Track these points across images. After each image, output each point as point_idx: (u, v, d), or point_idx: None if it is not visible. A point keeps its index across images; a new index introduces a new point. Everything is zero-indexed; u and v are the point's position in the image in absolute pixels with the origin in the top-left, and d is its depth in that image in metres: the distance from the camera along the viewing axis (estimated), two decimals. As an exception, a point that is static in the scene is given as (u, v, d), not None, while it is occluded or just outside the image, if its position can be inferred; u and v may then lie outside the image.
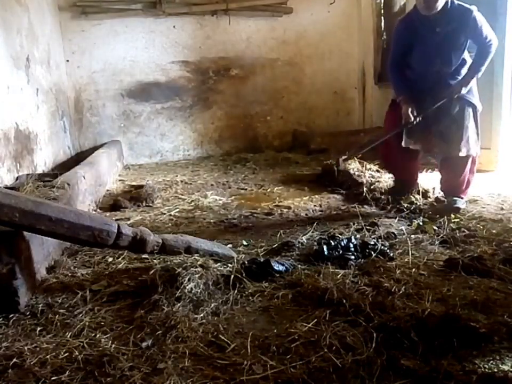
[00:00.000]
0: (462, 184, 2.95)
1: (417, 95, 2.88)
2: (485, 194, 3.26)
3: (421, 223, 2.65)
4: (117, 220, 2.99)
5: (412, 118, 2.84)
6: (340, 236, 2.41)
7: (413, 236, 2.48)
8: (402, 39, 2.90)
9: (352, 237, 2.33)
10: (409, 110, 2.84)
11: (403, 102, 2.88)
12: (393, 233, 2.50)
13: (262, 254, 2.33)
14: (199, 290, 1.83)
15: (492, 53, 2.78)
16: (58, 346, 1.54)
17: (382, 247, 2.24)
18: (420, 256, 2.19)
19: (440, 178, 3.09)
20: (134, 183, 4.47)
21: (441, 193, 3.10)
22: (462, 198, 2.96)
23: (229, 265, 2.09)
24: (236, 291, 1.87)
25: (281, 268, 2.05)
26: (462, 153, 2.82)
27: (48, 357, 1.47)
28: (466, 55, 2.85)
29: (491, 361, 1.35)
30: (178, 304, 1.74)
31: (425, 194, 3.16)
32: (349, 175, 3.61)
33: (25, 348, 1.52)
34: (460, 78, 2.83)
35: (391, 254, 2.19)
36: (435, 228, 2.55)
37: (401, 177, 3.21)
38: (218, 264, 2.09)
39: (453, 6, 2.71)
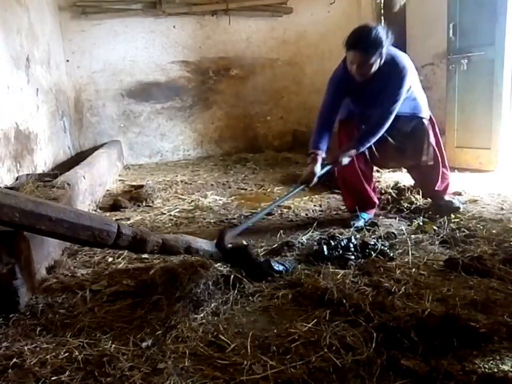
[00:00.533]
0: (439, 185, 2.87)
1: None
2: (485, 194, 3.26)
3: (421, 223, 2.65)
4: (117, 220, 3.00)
5: (314, 181, 2.57)
6: (340, 236, 2.41)
7: (413, 236, 2.47)
8: (335, 95, 2.65)
9: (352, 237, 2.33)
10: (316, 172, 2.55)
11: (312, 160, 2.57)
12: (393, 233, 2.50)
13: (262, 254, 2.33)
14: (199, 290, 1.82)
15: (387, 124, 2.53)
16: (58, 346, 1.53)
17: (382, 247, 2.24)
18: (420, 256, 2.19)
19: (415, 184, 3.09)
20: (134, 183, 4.47)
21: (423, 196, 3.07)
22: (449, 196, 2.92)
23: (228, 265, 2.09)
24: (235, 291, 1.87)
25: (281, 268, 2.05)
26: (424, 163, 2.76)
27: (48, 357, 1.47)
28: (413, 88, 2.64)
29: (491, 361, 1.34)
30: (178, 304, 1.74)
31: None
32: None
33: (25, 348, 1.52)
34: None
35: (391, 254, 2.19)
36: (435, 227, 2.55)
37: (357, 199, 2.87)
38: (218, 264, 2.09)
39: (385, 62, 2.45)
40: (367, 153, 2.77)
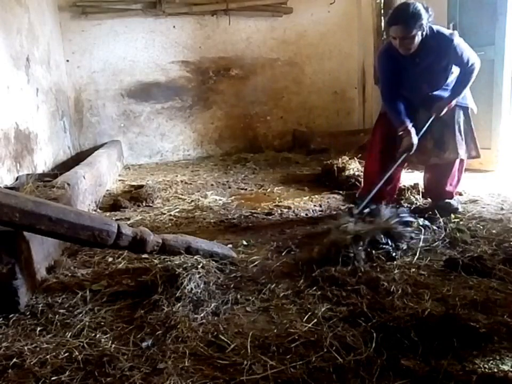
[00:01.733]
0: (449, 187, 2.89)
1: (408, 113, 2.79)
2: (485, 194, 3.26)
3: (424, 223, 2.62)
4: (117, 220, 3.00)
5: (414, 150, 2.72)
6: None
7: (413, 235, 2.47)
8: (389, 69, 2.76)
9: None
10: (412, 140, 2.70)
11: (406, 133, 2.72)
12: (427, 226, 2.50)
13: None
14: (199, 290, 1.83)
15: (475, 75, 2.72)
16: (58, 346, 1.54)
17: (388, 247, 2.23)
18: (420, 257, 2.19)
19: (426, 182, 3.04)
20: (134, 183, 4.47)
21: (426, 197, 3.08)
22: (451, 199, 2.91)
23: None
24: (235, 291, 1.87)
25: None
26: (460, 157, 2.79)
27: (48, 357, 1.47)
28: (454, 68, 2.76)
29: (491, 361, 1.35)
30: (178, 304, 1.74)
31: (425, 194, 3.16)
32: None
33: (25, 348, 1.52)
34: (449, 88, 2.77)
35: (393, 254, 2.19)
36: (435, 227, 2.54)
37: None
38: (218, 264, 2.09)
39: (432, 36, 2.57)
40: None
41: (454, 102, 2.76)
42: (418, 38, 2.52)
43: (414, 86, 2.76)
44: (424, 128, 2.76)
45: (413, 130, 2.72)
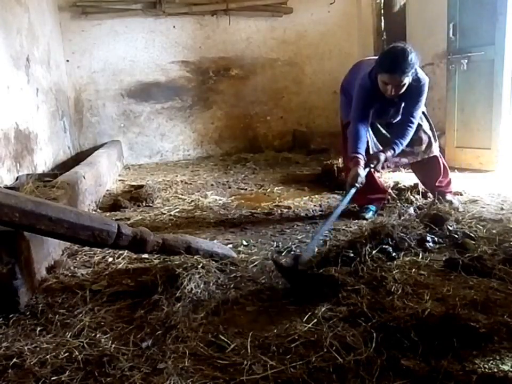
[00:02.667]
0: (442, 181, 3.03)
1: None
2: (485, 194, 3.26)
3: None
4: (117, 220, 2.99)
5: (360, 182, 2.59)
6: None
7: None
8: (367, 101, 2.73)
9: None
10: (360, 173, 2.58)
11: (354, 164, 2.63)
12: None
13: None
14: (199, 290, 1.83)
15: (409, 136, 2.74)
16: (58, 346, 1.53)
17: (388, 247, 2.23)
18: (420, 256, 2.19)
19: (422, 180, 3.17)
20: (134, 183, 4.47)
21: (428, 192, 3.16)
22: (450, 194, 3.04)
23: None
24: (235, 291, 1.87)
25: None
26: (429, 154, 2.94)
27: (48, 357, 1.47)
28: None
29: (491, 361, 1.35)
30: (178, 304, 1.74)
31: (425, 194, 3.16)
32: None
33: (25, 348, 1.52)
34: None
35: (393, 254, 2.18)
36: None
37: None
38: (218, 264, 2.09)
39: (413, 78, 2.60)
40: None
41: (389, 155, 2.74)
42: (407, 84, 2.57)
43: (382, 116, 2.85)
44: (365, 172, 2.64)
45: (361, 164, 2.63)
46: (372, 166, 2.70)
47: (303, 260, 1.98)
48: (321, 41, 6.28)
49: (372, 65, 2.70)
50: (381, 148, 2.84)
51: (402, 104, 2.76)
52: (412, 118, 2.74)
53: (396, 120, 2.87)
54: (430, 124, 2.98)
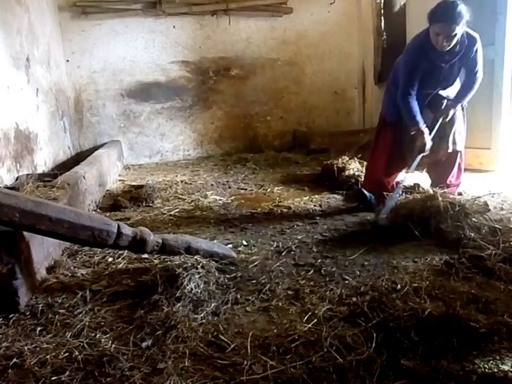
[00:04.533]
0: (452, 178, 3.12)
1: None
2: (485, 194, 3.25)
3: None
4: (117, 220, 2.99)
5: (427, 150, 2.82)
6: None
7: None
8: (417, 66, 2.79)
9: None
10: (427, 141, 2.80)
11: (419, 134, 2.82)
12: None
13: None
14: (199, 290, 1.83)
15: (478, 85, 2.88)
16: (58, 346, 1.53)
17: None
18: (420, 256, 2.19)
19: (433, 176, 3.22)
20: (134, 183, 4.47)
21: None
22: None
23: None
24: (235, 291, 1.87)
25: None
26: (452, 149, 3.02)
27: (48, 357, 1.47)
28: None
29: (491, 361, 1.35)
30: (178, 304, 1.74)
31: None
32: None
33: (25, 348, 1.52)
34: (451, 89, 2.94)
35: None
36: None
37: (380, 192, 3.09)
38: (218, 264, 2.09)
39: (462, 34, 2.69)
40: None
41: (459, 107, 2.92)
42: (458, 36, 2.62)
43: (433, 84, 2.85)
44: (435, 130, 2.86)
45: (426, 131, 2.80)
46: (441, 120, 2.87)
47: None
48: (321, 41, 6.28)
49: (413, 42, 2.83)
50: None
51: (455, 67, 2.79)
52: (474, 76, 2.82)
53: (449, 86, 2.89)
54: (464, 116, 3.07)
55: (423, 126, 2.81)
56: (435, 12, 2.63)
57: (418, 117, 2.81)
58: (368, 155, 3.30)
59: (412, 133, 2.83)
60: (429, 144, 2.80)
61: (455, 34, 2.60)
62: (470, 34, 2.73)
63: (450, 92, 2.96)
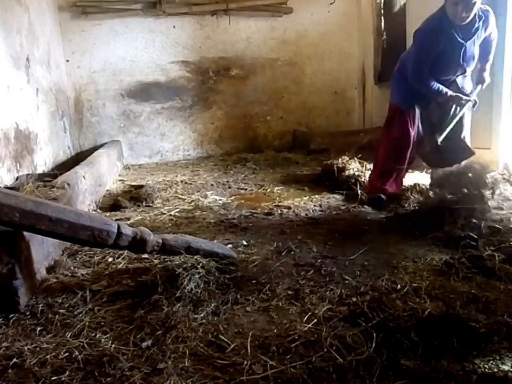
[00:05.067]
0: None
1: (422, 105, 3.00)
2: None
3: None
4: (117, 220, 2.99)
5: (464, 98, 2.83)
6: None
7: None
8: (435, 49, 2.75)
9: None
10: (462, 96, 2.83)
11: (453, 95, 2.85)
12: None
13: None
14: (199, 290, 1.83)
15: (488, 79, 2.95)
16: (58, 346, 1.53)
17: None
18: (420, 256, 2.19)
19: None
20: (134, 183, 4.47)
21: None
22: None
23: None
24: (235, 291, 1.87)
25: None
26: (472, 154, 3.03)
27: (48, 357, 1.47)
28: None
29: (491, 361, 1.35)
30: (178, 304, 1.74)
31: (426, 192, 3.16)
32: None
33: (25, 348, 1.52)
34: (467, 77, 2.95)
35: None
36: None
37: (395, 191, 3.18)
38: (218, 264, 2.09)
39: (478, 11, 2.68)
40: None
41: (474, 96, 2.92)
42: (478, 5, 2.59)
43: (453, 66, 2.84)
44: (452, 124, 2.89)
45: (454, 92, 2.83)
46: (458, 112, 2.89)
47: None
48: (321, 41, 6.27)
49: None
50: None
51: (474, 46, 2.78)
52: (488, 61, 2.91)
53: (469, 68, 2.88)
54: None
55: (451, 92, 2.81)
56: None
57: (443, 87, 2.81)
58: (380, 149, 3.26)
59: (448, 100, 2.83)
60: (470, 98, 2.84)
61: (475, 3, 2.54)
62: (482, 8, 2.71)
63: (466, 83, 2.96)
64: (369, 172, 3.50)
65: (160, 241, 2.03)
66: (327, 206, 3.28)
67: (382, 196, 3.07)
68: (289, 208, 3.25)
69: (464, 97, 2.85)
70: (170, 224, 3.00)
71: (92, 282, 2.05)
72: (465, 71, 2.88)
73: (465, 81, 2.95)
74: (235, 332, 1.59)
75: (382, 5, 5.90)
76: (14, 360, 1.46)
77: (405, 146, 3.05)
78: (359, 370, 1.33)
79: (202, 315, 1.70)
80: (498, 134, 3.92)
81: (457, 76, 2.90)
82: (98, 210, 3.42)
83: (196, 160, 6.04)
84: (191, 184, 4.32)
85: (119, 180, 4.76)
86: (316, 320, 1.63)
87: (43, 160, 4.09)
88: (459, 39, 2.71)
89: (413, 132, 3.04)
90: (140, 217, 3.18)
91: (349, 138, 5.49)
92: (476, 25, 2.69)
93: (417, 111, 3.03)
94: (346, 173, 3.76)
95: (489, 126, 3.94)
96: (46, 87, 4.55)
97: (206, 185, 4.24)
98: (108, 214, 3.32)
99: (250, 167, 5.10)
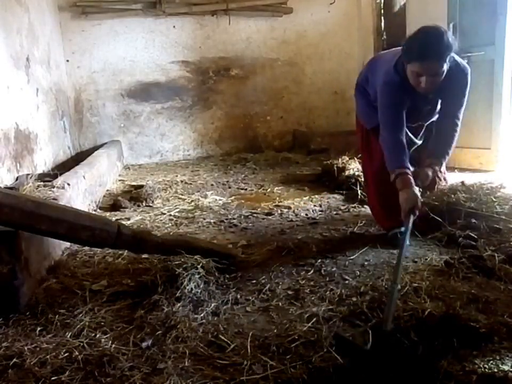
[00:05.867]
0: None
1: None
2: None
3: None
4: (117, 219, 2.99)
5: (418, 209, 2.08)
6: None
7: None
8: (400, 102, 2.20)
9: None
10: (418, 195, 2.10)
11: (405, 183, 2.10)
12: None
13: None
14: (199, 290, 1.83)
15: (456, 140, 2.28)
16: (58, 346, 1.53)
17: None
18: (420, 256, 2.19)
19: None
20: (134, 183, 4.47)
21: None
22: None
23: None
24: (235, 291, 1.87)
25: None
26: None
27: (48, 357, 1.47)
28: None
29: (491, 361, 1.35)
30: (178, 304, 1.74)
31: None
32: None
33: (25, 348, 1.52)
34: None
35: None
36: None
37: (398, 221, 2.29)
38: (218, 264, 2.09)
39: (450, 66, 2.07)
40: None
41: (444, 168, 2.40)
42: (444, 73, 2.05)
43: (413, 118, 2.31)
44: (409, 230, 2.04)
45: (412, 182, 2.12)
46: (419, 185, 2.19)
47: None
48: (321, 41, 6.27)
49: (391, 60, 2.23)
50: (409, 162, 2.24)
51: (439, 100, 2.28)
52: (456, 120, 2.26)
53: (428, 122, 2.39)
54: None
55: (408, 172, 2.13)
56: (412, 46, 2.02)
57: (405, 158, 2.17)
58: (365, 178, 2.77)
59: (393, 180, 2.15)
60: (419, 202, 2.09)
61: (442, 72, 2.03)
62: (458, 64, 2.17)
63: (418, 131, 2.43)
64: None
65: (160, 241, 2.04)
66: (327, 206, 3.28)
67: (398, 232, 2.36)
68: (289, 208, 3.25)
69: (411, 205, 2.06)
70: (170, 224, 3.00)
71: (92, 282, 2.05)
72: (426, 122, 2.39)
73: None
74: (235, 331, 1.60)
75: (382, 5, 5.90)
76: (14, 360, 1.46)
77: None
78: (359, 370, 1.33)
79: (202, 315, 1.70)
80: (498, 134, 3.92)
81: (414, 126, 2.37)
82: (98, 210, 3.42)
83: (195, 160, 6.04)
84: (191, 184, 4.32)
85: (119, 180, 4.76)
86: (315, 320, 1.63)
87: (43, 160, 4.09)
88: (422, 102, 2.25)
89: None
90: (140, 217, 3.18)
91: (349, 138, 5.47)
92: (442, 85, 2.12)
93: None
94: (346, 173, 3.76)
95: (489, 126, 3.94)
96: (46, 87, 4.55)
97: (206, 185, 4.24)
98: (108, 214, 3.32)
99: (250, 167, 5.10)
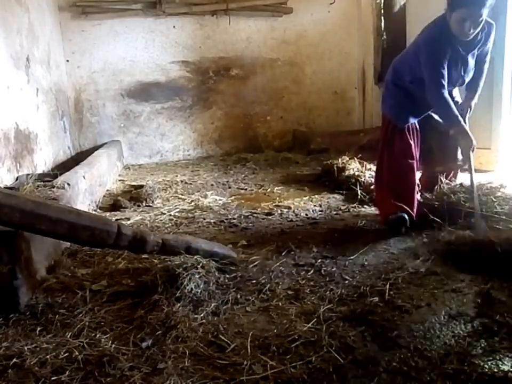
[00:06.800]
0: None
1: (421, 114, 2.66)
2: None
3: None
4: (117, 219, 2.99)
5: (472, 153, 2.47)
6: None
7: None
8: (445, 57, 2.43)
9: None
10: (472, 139, 2.44)
11: (465, 133, 2.44)
12: None
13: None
14: (199, 290, 1.83)
15: (482, 85, 2.64)
16: (58, 346, 1.54)
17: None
18: (419, 256, 2.19)
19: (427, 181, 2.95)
20: (134, 183, 4.47)
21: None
22: None
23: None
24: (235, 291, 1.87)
25: None
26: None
27: (48, 357, 1.47)
28: None
29: (491, 361, 1.35)
30: (178, 304, 1.74)
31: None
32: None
33: (25, 348, 1.52)
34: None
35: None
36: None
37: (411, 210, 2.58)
38: (218, 264, 2.09)
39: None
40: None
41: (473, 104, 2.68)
42: (483, 22, 2.33)
43: (454, 78, 2.55)
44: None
45: (467, 128, 2.48)
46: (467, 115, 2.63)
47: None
48: (321, 41, 6.27)
49: (414, 44, 2.58)
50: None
51: (474, 56, 2.51)
52: (484, 64, 2.58)
53: (468, 79, 2.60)
54: None
55: (465, 124, 2.47)
56: None
57: (458, 114, 2.45)
58: (379, 172, 2.79)
59: (454, 130, 2.47)
60: (474, 142, 2.45)
61: (482, 19, 2.29)
62: (487, 20, 2.44)
63: (457, 93, 2.75)
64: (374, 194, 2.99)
65: (160, 241, 2.04)
66: (327, 206, 3.28)
67: (403, 216, 2.53)
68: (289, 208, 3.25)
69: (472, 143, 2.45)
70: (170, 224, 3.00)
71: (92, 282, 2.05)
72: (463, 83, 2.64)
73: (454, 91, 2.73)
74: (235, 331, 1.60)
75: (382, 5, 5.90)
76: (14, 360, 1.46)
77: (410, 168, 2.62)
78: (359, 370, 1.33)
79: (202, 315, 1.70)
80: (498, 134, 3.92)
81: (454, 87, 2.68)
82: (98, 210, 3.42)
83: (196, 160, 6.04)
84: (191, 184, 4.33)
85: (119, 180, 4.76)
86: (315, 320, 1.63)
87: (43, 160, 4.09)
88: (462, 51, 2.46)
89: (415, 147, 2.66)
90: (140, 217, 3.18)
91: (349, 138, 5.49)
92: (479, 37, 2.43)
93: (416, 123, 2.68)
94: (346, 173, 3.76)
95: (489, 126, 3.94)
96: (46, 87, 4.55)
97: (206, 185, 4.24)
98: (108, 214, 3.32)
99: (250, 167, 5.10)
